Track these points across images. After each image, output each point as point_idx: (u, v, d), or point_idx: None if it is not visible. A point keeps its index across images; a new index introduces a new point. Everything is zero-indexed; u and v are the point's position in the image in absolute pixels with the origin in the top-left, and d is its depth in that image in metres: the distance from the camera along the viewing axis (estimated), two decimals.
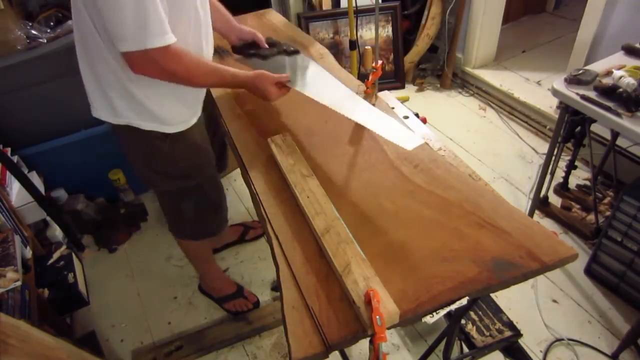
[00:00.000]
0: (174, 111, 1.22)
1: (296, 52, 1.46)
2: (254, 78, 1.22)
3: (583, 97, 1.50)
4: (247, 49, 1.48)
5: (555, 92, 1.58)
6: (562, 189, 2.13)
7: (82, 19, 1.04)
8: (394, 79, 2.97)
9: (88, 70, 1.14)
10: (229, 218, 2.18)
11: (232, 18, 1.47)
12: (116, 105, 1.15)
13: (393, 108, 1.38)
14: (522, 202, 2.14)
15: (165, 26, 0.98)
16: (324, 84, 1.32)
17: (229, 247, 2.05)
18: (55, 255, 1.82)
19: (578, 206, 2.07)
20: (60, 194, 2.10)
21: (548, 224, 2.04)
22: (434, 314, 0.84)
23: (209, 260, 1.79)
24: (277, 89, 1.24)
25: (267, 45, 1.48)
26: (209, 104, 1.48)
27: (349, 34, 2.42)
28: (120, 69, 1.08)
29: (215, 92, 1.47)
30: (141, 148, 1.28)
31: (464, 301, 0.86)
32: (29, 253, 1.67)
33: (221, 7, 1.45)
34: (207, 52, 1.24)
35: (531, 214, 1.99)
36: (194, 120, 1.29)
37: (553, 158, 1.83)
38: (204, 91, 1.34)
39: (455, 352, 1.48)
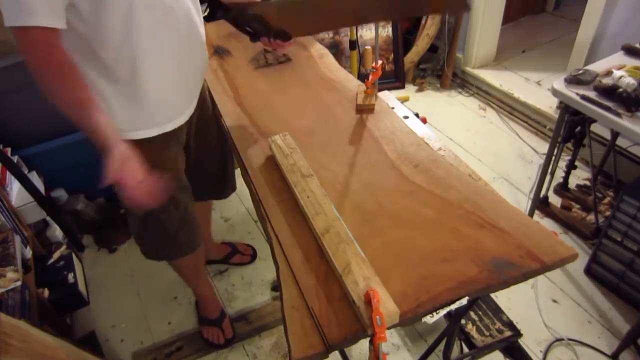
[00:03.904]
0: (121, 113, 1.09)
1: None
2: (119, 145, 0.96)
3: (583, 97, 1.50)
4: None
5: (555, 92, 1.58)
6: (562, 189, 2.13)
7: None
8: (394, 79, 2.97)
9: None
10: (228, 218, 2.21)
11: None
12: None
13: (393, 108, 1.38)
14: (522, 202, 2.14)
15: (36, 5, 0.86)
16: None
17: (212, 264, 1.98)
18: (55, 255, 1.82)
19: (578, 206, 2.07)
20: (60, 194, 2.10)
21: (548, 224, 2.04)
22: (434, 314, 0.84)
23: (196, 276, 1.66)
24: (138, 181, 0.97)
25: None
26: (209, 132, 1.40)
27: (349, 34, 2.42)
28: None
29: (216, 92, 1.47)
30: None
31: (464, 301, 0.86)
32: (29, 253, 1.67)
33: None
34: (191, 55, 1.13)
35: (531, 214, 1.99)
36: (151, 132, 1.15)
37: (553, 158, 1.83)
38: (173, 98, 1.16)
39: (455, 352, 1.48)
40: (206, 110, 1.40)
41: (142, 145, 1.08)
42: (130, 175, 0.96)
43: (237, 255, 1.98)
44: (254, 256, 1.99)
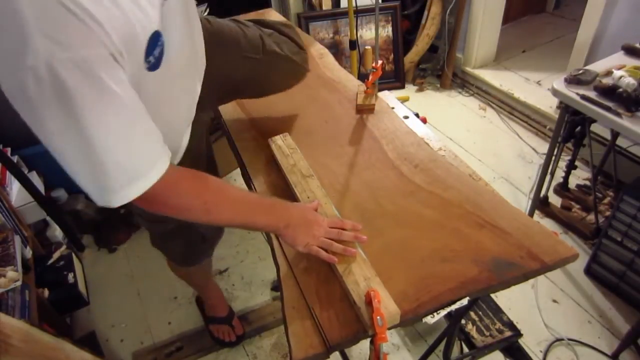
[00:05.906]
0: None
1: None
2: (302, 205, 0.96)
3: (583, 97, 1.50)
4: None
5: (555, 92, 1.58)
6: (562, 189, 2.13)
7: None
8: (394, 79, 2.97)
9: None
10: None
11: None
12: None
13: (393, 108, 1.38)
14: (522, 202, 2.14)
15: (154, 154, 0.75)
16: None
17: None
18: (55, 255, 1.82)
19: (578, 206, 2.07)
20: (60, 194, 2.10)
21: (548, 224, 2.04)
22: (435, 314, 0.84)
23: (205, 281, 1.67)
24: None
25: None
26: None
27: (349, 34, 2.42)
28: None
29: None
30: None
31: (464, 301, 0.86)
32: (29, 253, 1.66)
33: None
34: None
35: (531, 214, 1.99)
36: None
37: (553, 158, 1.83)
38: (175, 142, 1.03)
39: (455, 352, 1.48)
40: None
41: None
42: (315, 232, 0.91)
43: None
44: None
